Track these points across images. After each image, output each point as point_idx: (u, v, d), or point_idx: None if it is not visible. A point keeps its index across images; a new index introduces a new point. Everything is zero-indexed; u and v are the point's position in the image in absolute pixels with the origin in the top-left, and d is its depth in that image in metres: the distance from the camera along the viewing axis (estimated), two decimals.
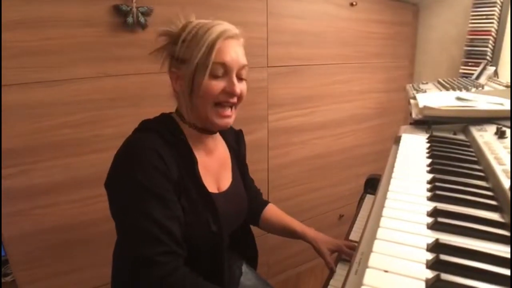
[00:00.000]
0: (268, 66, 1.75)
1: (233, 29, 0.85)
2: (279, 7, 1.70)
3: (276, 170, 1.95)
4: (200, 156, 0.90)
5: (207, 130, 0.91)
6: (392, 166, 0.77)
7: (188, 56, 0.81)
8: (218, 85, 0.82)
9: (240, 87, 0.86)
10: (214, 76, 0.81)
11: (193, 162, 0.85)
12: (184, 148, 0.85)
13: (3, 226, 1.25)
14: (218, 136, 0.99)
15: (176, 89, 0.87)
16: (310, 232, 1.12)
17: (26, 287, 1.34)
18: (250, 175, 1.21)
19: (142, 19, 1.32)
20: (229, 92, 0.84)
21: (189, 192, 0.82)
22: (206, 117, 0.85)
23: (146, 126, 0.87)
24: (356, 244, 1.06)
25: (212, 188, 0.91)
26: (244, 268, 1.14)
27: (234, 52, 0.83)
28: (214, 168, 0.95)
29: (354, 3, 1.95)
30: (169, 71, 0.88)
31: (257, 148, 1.84)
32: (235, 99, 0.86)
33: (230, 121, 0.88)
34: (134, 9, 1.30)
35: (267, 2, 1.66)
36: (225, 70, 0.82)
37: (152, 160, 0.75)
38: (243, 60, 0.86)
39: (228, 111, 0.86)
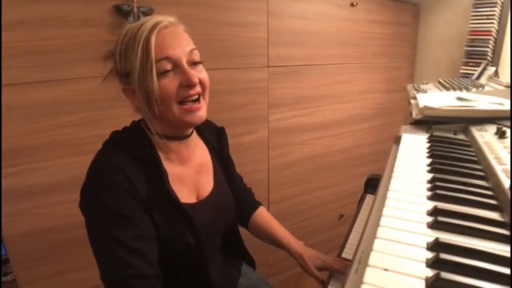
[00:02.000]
0: (268, 66, 1.75)
1: (166, 19, 0.76)
2: (279, 7, 1.70)
3: (276, 170, 1.95)
4: (173, 167, 0.84)
5: (179, 136, 0.84)
6: (393, 166, 0.77)
7: (129, 67, 0.73)
8: (172, 82, 0.73)
9: (197, 74, 0.76)
10: (163, 74, 0.72)
11: (162, 175, 0.79)
12: (153, 161, 0.78)
13: (3, 225, 1.25)
14: (193, 140, 0.90)
15: (137, 105, 0.79)
16: (296, 247, 1.04)
17: (26, 286, 1.34)
18: (249, 175, 1.20)
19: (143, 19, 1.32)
20: (186, 85, 0.74)
21: (161, 206, 0.78)
22: (175, 120, 0.77)
23: (113, 139, 0.82)
24: (348, 262, 1.01)
25: (189, 198, 0.87)
26: (244, 268, 1.14)
27: (174, 41, 0.73)
28: (191, 176, 0.89)
29: (354, 3, 1.95)
30: (122, 91, 0.80)
31: (257, 148, 1.84)
32: (198, 89, 0.76)
33: (201, 114, 0.79)
34: (135, 9, 1.30)
35: (267, 2, 1.66)
36: (173, 63, 0.73)
37: (116, 180, 0.71)
38: (188, 44, 0.76)
39: (196, 104, 0.77)
